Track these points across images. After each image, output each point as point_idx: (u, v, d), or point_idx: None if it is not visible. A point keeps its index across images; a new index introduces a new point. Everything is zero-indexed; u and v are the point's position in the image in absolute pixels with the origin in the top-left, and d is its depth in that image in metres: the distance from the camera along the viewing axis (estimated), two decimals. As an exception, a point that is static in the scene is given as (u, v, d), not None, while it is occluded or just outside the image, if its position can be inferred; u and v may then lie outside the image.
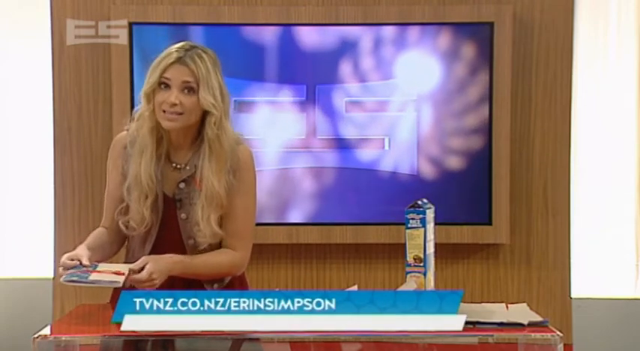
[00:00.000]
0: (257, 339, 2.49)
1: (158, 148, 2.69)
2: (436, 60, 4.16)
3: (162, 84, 2.64)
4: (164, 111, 2.63)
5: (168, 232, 2.72)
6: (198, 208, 2.66)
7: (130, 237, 2.78)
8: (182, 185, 2.70)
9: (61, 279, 2.51)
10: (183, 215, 2.71)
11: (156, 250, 2.72)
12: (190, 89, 2.63)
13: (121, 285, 2.47)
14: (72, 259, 2.57)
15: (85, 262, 2.56)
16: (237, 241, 2.74)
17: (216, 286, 2.77)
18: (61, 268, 2.56)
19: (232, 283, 2.82)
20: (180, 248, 2.72)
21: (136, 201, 2.67)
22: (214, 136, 2.66)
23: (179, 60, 2.65)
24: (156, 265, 2.57)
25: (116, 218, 2.74)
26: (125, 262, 2.77)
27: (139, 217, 2.67)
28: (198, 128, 2.70)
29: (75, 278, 2.49)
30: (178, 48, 2.70)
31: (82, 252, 2.61)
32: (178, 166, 2.72)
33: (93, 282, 2.47)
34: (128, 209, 2.70)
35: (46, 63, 4.23)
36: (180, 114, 2.63)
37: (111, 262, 2.68)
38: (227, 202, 2.70)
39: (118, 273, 2.50)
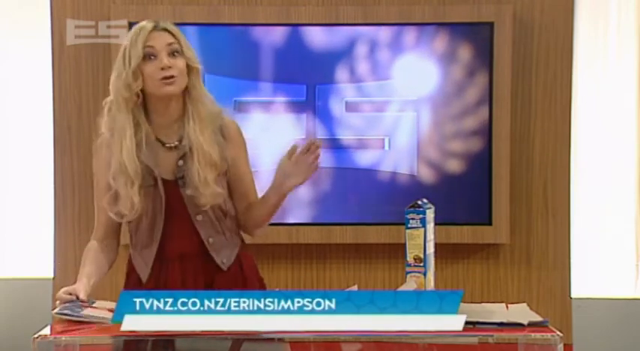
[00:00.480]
0: (282, 339, 2.49)
1: (137, 132, 2.66)
2: (436, 60, 4.16)
3: (147, 55, 2.64)
4: (161, 78, 2.63)
5: (176, 213, 2.71)
6: (194, 172, 2.65)
7: (134, 231, 2.77)
8: (181, 163, 2.69)
9: (54, 311, 2.53)
10: (188, 191, 2.69)
11: (165, 233, 2.72)
12: (175, 52, 2.65)
13: (111, 323, 2.45)
14: (70, 294, 2.59)
15: (83, 297, 2.58)
16: (253, 192, 2.84)
17: (224, 261, 2.79)
18: (57, 302, 2.58)
19: (234, 264, 2.82)
20: (190, 227, 2.73)
21: (123, 187, 2.64)
22: (197, 96, 2.68)
23: (156, 28, 2.67)
24: None
25: (106, 208, 2.71)
26: (139, 251, 2.79)
27: (128, 203, 2.64)
28: (182, 98, 2.69)
29: (67, 311, 2.50)
30: (147, 22, 2.70)
31: (80, 287, 2.63)
32: (171, 145, 2.71)
33: (84, 316, 2.48)
34: (117, 198, 2.68)
35: (46, 63, 4.22)
36: (175, 77, 2.63)
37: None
38: (231, 168, 2.74)
39: (111, 310, 2.49)
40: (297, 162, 2.72)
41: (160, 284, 2.75)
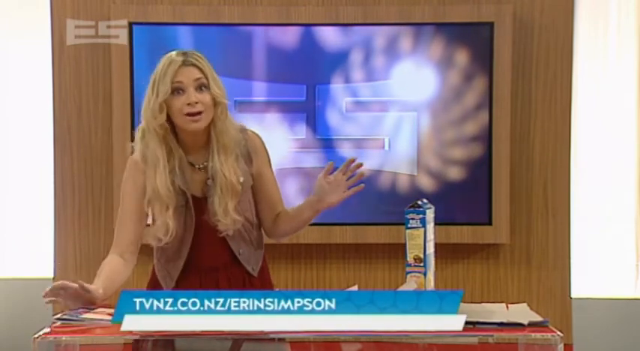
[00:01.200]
0: (282, 339, 2.50)
1: (170, 158, 2.76)
2: (436, 60, 4.16)
3: (175, 90, 2.71)
4: (187, 114, 2.70)
5: (205, 228, 2.78)
6: (215, 200, 2.74)
7: (159, 247, 2.82)
8: (210, 182, 2.78)
9: (54, 317, 2.54)
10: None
11: (195, 246, 2.79)
12: (203, 86, 2.72)
13: (110, 323, 2.45)
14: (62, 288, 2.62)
15: (88, 287, 2.62)
16: (280, 202, 2.92)
17: (254, 267, 2.87)
18: (46, 290, 2.62)
19: (262, 270, 2.92)
20: (221, 241, 2.80)
21: (159, 213, 2.74)
22: (222, 127, 2.76)
23: (185, 62, 2.72)
24: None
25: (143, 234, 2.80)
26: (155, 273, 2.86)
27: (164, 228, 2.73)
28: (207, 129, 2.77)
29: (66, 317, 2.51)
30: (177, 53, 2.76)
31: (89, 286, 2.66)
32: (201, 167, 2.79)
33: (83, 319, 2.48)
34: (153, 223, 2.77)
35: (46, 63, 4.23)
36: (201, 113, 2.71)
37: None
38: (259, 181, 2.85)
39: (111, 315, 2.49)
40: (335, 181, 2.80)
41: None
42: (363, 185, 2.79)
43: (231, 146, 2.78)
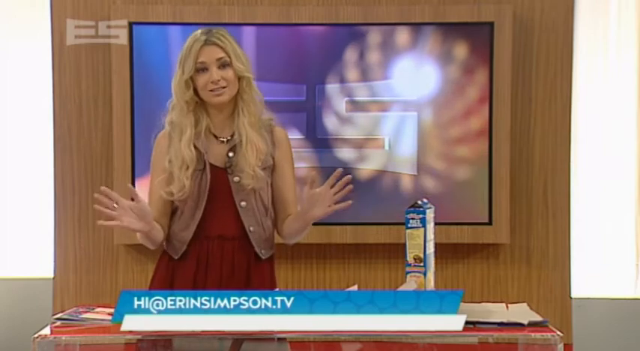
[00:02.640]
0: (273, 338, 2.50)
1: (196, 126, 2.90)
2: (436, 60, 4.16)
3: (199, 69, 2.86)
4: (211, 90, 2.86)
5: (220, 197, 2.88)
6: (241, 157, 2.87)
7: (178, 215, 2.90)
8: (231, 154, 2.89)
9: (54, 317, 2.57)
10: (236, 178, 2.88)
11: (207, 214, 2.88)
12: (225, 64, 2.87)
13: (110, 323, 2.45)
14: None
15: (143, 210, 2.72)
16: (294, 205, 2.99)
17: (263, 252, 2.93)
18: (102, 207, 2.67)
19: (271, 263, 2.98)
20: (233, 212, 2.89)
21: (177, 170, 2.85)
22: (248, 98, 2.91)
23: (207, 41, 2.88)
24: None
25: (158, 187, 2.89)
26: (174, 235, 2.90)
27: (179, 184, 2.84)
28: (235, 100, 2.92)
29: (66, 316, 2.51)
30: (201, 33, 2.91)
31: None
32: (224, 140, 2.92)
33: (83, 319, 2.48)
34: (170, 179, 2.87)
35: (46, 63, 4.22)
36: (225, 87, 2.86)
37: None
38: (278, 175, 2.96)
39: (111, 314, 2.49)
40: (320, 194, 2.83)
41: (201, 259, 2.89)
42: (350, 202, 2.80)
43: (256, 116, 2.92)
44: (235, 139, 2.91)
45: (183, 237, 2.89)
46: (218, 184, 2.89)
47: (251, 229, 2.89)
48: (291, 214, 2.97)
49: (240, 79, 2.90)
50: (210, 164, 2.89)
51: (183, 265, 2.89)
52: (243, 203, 2.88)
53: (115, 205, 2.69)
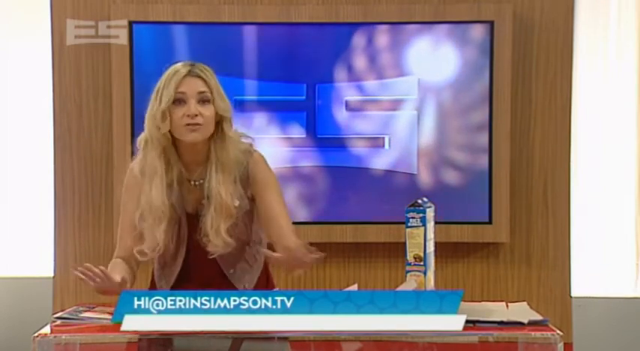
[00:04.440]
0: (273, 338, 2.50)
1: (168, 171, 2.73)
2: (436, 59, 4.16)
3: (177, 100, 2.69)
4: (186, 124, 2.67)
5: (196, 245, 2.75)
6: (207, 219, 2.70)
7: (158, 257, 2.80)
8: (204, 201, 2.73)
9: (54, 316, 2.54)
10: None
11: (187, 264, 2.77)
12: (205, 100, 2.69)
13: (110, 322, 2.45)
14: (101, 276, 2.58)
15: (112, 276, 2.58)
16: (292, 235, 2.79)
17: (246, 285, 2.83)
18: (78, 272, 2.59)
19: (259, 282, 2.88)
20: (211, 261, 2.76)
21: (150, 227, 2.70)
22: (223, 145, 2.72)
23: (190, 73, 2.71)
24: None
25: (131, 246, 2.76)
26: (153, 281, 2.84)
27: (153, 242, 2.70)
28: (208, 143, 2.74)
29: (66, 316, 2.51)
30: (182, 65, 2.75)
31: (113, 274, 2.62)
32: (197, 184, 2.76)
33: (83, 318, 2.48)
34: (142, 236, 2.73)
35: (46, 63, 4.22)
36: (200, 125, 2.68)
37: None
38: (261, 206, 2.78)
39: (111, 314, 2.49)
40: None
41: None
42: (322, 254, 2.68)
43: (230, 166, 2.74)
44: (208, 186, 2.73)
45: (167, 276, 2.81)
46: (194, 232, 2.75)
47: (230, 271, 2.80)
48: (288, 243, 2.76)
49: (219, 119, 2.72)
50: (187, 214, 2.75)
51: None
52: (218, 253, 2.75)
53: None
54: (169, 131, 2.70)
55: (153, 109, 2.71)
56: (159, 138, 2.70)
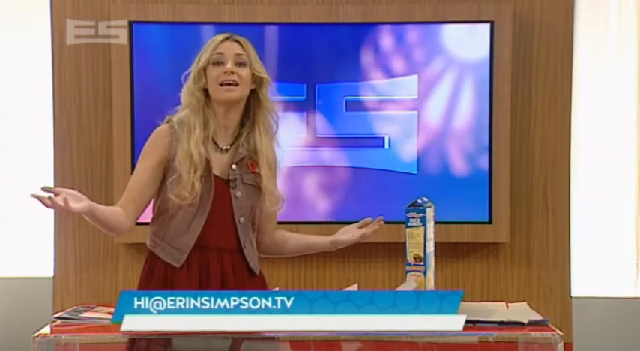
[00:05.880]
0: (273, 338, 2.50)
1: (205, 129, 2.78)
2: (436, 59, 4.16)
3: (215, 62, 2.77)
4: (221, 84, 2.75)
5: (219, 211, 2.78)
6: (264, 178, 2.80)
7: (171, 219, 2.78)
8: (234, 167, 2.80)
9: (54, 315, 2.52)
10: (238, 193, 2.79)
11: (207, 226, 2.77)
12: (242, 63, 2.78)
13: (110, 322, 2.44)
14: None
15: (71, 202, 2.60)
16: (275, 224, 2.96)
17: (256, 267, 2.87)
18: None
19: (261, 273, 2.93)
20: (231, 227, 2.79)
21: (186, 173, 2.72)
22: (267, 108, 2.82)
23: (229, 38, 2.82)
24: None
25: (169, 187, 2.76)
26: (168, 240, 2.79)
27: (190, 187, 2.72)
28: (243, 109, 2.82)
29: (66, 315, 2.50)
30: (223, 33, 2.85)
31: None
32: (224, 148, 2.81)
33: (83, 318, 2.47)
34: (178, 181, 2.74)
35: (46, 63, 4.22)
36: (237, 85, 2.75)
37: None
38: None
39: (111, 313, 2.48)
40: (361, 234, 2.98)
41: (202, 269, 2.78)
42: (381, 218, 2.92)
43: (271, 129, 2.84)
44: (240, 153, 2.80)
45: (182, 245, 2.77)
46: (219, 195, 2.77)
47: (246, 244, 2.82)
48: (276, 230, 2.95)
49: (258, 81, 2.81)
50: (213, 174, 2.78)
51: (184, 274, 2.77)
52: (242, 219, 2.80)
53: (53, 195, 2.57)
54: (208, 94, 2.78)
55: (192, 71, 2.80)
56: (198, 98, 2.77)
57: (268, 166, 2.81)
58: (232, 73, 2.74)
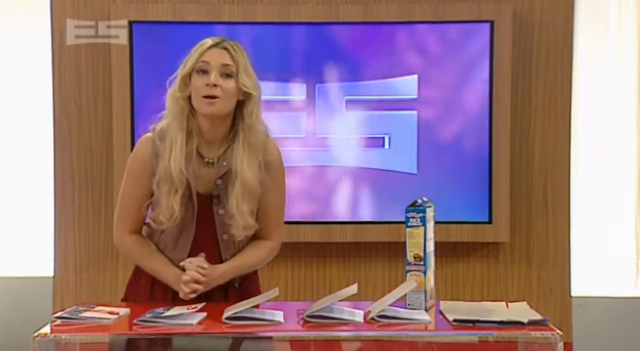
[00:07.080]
0: (272, 338, 2.49)
1: (188, 143, 2.64)
2: (436, 59, 4.16)
3: (200, 70, 2.63)
4: (203, 96, 2.60)
5: (203, 228, 2.70)
6: (233, 200, 2.64)
7: (160, 233, 2.73)
8: (219, 182, 2.68)
9: (54, 316, 2.52)
10: (221, 211, 2.68)
11: (191, 246, 2.71)
12: (228, 75, 2.63)
13: (111, 322, 2.44)
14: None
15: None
16: (272, 231, 2.79)
17: (236, 285, 2.78)
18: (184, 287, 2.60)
19: (247, 282, 2.82)
20: (214, 244, 2.71)
21: (166, 195, 2.62)
22: (251, 124, 2.66)
23: (217, 45, 2.65)
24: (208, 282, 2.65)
25: (144, 213, 2.71)
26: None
27: (168, 211, 2.62)
28: (231, 121, 2.68)
29: (66, 315, 2.50)
30: (213, 38, 2.69)
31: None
32: (211, 161, 2.68)
33: (83, 318, 2.47)
34: (157, 204, 2.67)
35: (46, 63, 4.22)
36: (218, 98, 2.60)
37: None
38: (262, 199, 2.72)
39: (112, 313, 2.48)
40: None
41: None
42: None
43: (257, 148, 2.67)
44: (226, 167, 2.67)
45: (171, 259, 2.71)
46: (202, 212, 2.68)
47: (226, 259, 2.72)
48: (263, 237, 2.77)
49: (245, 96, 2.65)
50: (196, 192, 2.66)
51: (162, 285, 2.72)
52: (225, 236, 2.70)
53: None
54: (192, 105, 2.64)
55: (176, 76, 2.66)
56: (181, 106, 2.64)
57: (242, 188, 2.64)
58: (215, 86, 2.59)
